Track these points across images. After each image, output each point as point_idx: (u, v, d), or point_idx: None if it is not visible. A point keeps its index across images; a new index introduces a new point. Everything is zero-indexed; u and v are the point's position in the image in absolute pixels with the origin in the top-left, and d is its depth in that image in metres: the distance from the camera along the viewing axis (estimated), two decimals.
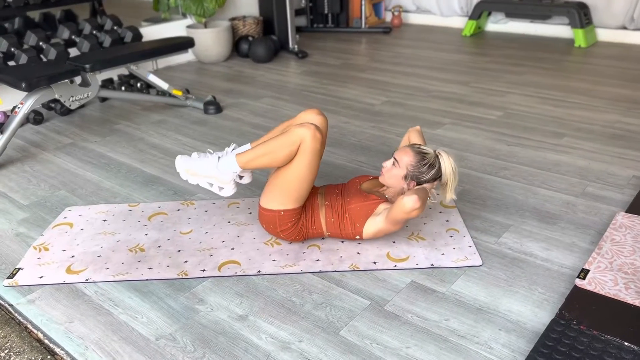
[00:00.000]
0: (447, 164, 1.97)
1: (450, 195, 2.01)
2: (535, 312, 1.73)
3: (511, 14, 5.40)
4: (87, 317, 1.79)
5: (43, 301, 1.87)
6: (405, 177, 1.99)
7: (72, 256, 2.10)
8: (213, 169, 2.03)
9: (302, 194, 2.00)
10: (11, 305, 1.87)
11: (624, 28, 5.01)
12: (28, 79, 2.81)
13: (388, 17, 6.36)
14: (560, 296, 1.80)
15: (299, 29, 5.92)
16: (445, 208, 2.33)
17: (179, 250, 2.12)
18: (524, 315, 1.72)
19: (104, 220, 2.35)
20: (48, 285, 1.95)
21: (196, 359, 1.60)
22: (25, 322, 1.80)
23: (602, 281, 1.79)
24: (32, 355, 1.68)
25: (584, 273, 1.83)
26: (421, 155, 1.97)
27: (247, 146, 2.15)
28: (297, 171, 1.95)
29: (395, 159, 2.00)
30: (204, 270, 1.99)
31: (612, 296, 1.72)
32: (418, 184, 1.99)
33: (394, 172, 2.00)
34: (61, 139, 3.25)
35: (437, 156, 1.99)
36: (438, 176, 1.99)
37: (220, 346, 1.65)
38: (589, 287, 1.77)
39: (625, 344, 1.54)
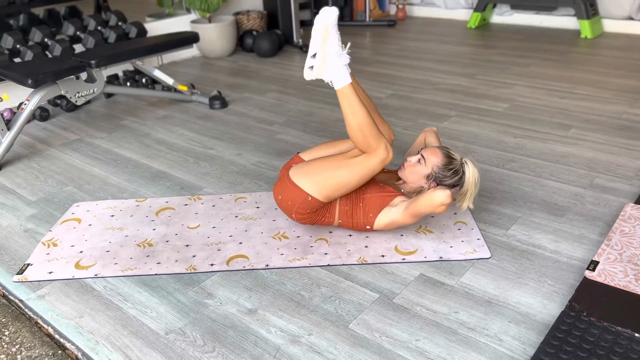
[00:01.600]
0: (471, 173, 1.98)
1: (467, 204, 2.01)
2: (544, 304, 1.73)
3: (516, 6, 5.37)
4: (97, 312, 1.79)
5: (53, 296, 1.88)
6: (428, 177, 2.00)
7: (81, 251, 2.11)
8: (333, 61, 1.90)
9: (336, 196, 2.00)
10: (21, 301, 1.88)
11: (631, 19, 4.97)
12: (34, 75, 2.81)
13: (392, 10, 6.33)
14: (569, 288, 1.79)
15: (303, 23, 5.90)
16: (454, 200, 2.32)
17: (187, 245, 2.12)
18: (533, 307, 1.72)
19: (112, 216, 2.35)
20: (57, 281, 1.95)
21: (206, 353, 1.60)
22: (35, 317, 1.81)
23: (612, 273, 1.78)
24: (43, 350, 1.69)
25: (593, 265, 1.82)
26: (449, 159, 1.99)
27: (348, 78, 1.93)
28: (348, 176, 1.93)
29: (422, 156, 2.00)
30: (212, 265, 1.99)
31: (622, 287, 1.71)
32: (437, 186, 2.00)
33: (417, 168, 2.00)
34: (67, 135, 3.26)
35: (462, 164, 1.99)
36: (458, 184, 2.00)
37: (230, 340, 1.65)
38: (598, 279, 1.76)
39: (637, 335, 1.53)
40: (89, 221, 2.32)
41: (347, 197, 2.05)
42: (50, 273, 1.99)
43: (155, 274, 1.96)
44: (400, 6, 6.04)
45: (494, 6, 5.63)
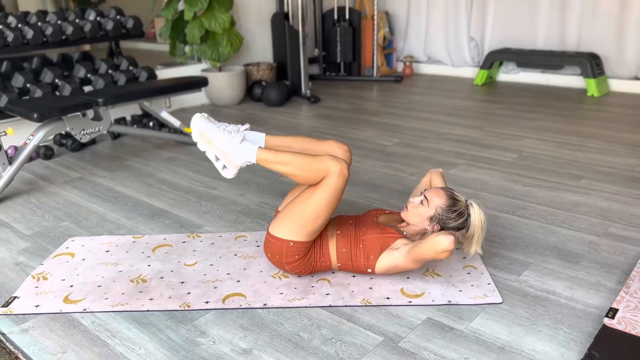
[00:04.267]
0: (476, 215, 1.90)
1: (474, 249, 1.92)
2: (561, 352, 1.60)
3: (523, 64, 5.43)
4: (82, 348, 1.68)
5: (37, 330, 1.77)
6: (432, 219, 1.91)
7: (71, 285, 2.01)
8: (230, 148, 1.93)
9: (316, 229, 1.92)
10: (3, 334, 1.77)
11: (637, 78, 5.00)
12: (40, 110, 2.80)
13: (399, 67, 6.43)
14: (587, 336, 1.67)
15: (311, 77, 5.99)
16: (461, 244, 2.23)
17: (182, 282, 2.02)
18: (549, 355, 1.59)
19: (107, 251, 2.27)
20: (43, 315, 1.85)
21: None
22: (16, 351, 1.69)
23: (634, 321, 1.66)
24: None
25: (612, 312, 1.71)
26: (453, 200, 1.91)
27: (262, 136, 2.06)
28: (316, 205, 1.87)
29: (425, 197, 1.92)
30: (207, 302, 1.89)
31: None
32: (441, 229, 1.91)
33: (420, 210, 1.92)
34: (70, 173, 3.22)
35: (467, 206, 1.92)
36: (463, 227, 1.92)
37: None
38: (619, 327, 1.64)
39: None
40: (82, 255, 2.23)
41: (344, 239, 1.96)
42: (37, 306, 1.89)
43: (147, 310, 1.86)
44: (408, 63, 6.13)
45: (501, 64, 5.71)
